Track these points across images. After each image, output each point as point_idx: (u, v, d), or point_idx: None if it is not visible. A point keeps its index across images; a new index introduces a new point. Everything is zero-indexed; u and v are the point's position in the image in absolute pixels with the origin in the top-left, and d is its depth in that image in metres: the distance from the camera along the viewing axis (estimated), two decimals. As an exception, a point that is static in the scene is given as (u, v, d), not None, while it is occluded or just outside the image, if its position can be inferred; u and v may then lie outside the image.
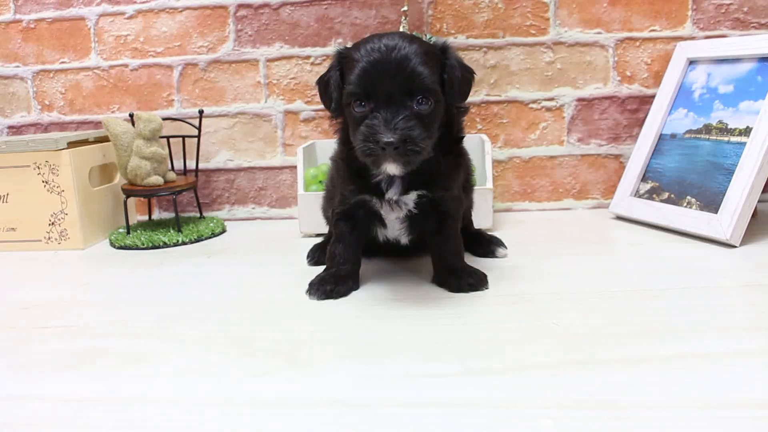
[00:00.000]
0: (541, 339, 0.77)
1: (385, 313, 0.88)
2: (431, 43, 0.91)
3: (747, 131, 1.19)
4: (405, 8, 1.35)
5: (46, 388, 0.70)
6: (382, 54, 0.85)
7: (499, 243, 1.15)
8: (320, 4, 1.47)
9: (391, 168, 0.86)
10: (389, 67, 0.84)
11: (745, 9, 1.42)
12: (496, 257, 1.13)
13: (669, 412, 0.58)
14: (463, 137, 0.99)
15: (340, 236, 1.00)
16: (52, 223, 1.34)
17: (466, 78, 0.92)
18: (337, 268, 0.98)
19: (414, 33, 1.29)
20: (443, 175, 0.95)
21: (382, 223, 1.00)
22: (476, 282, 0.96)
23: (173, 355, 0.77)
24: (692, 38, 1.44)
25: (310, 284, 0.97)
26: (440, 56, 0.90)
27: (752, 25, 1.43)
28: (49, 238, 1.35)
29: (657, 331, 0.77)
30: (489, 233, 1.20)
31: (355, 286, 0.99)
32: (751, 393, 0.61)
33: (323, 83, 0.94)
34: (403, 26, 1.34)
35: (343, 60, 0.91)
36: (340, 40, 1.48)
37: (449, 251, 0.99)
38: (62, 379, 0.72)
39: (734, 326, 0.79)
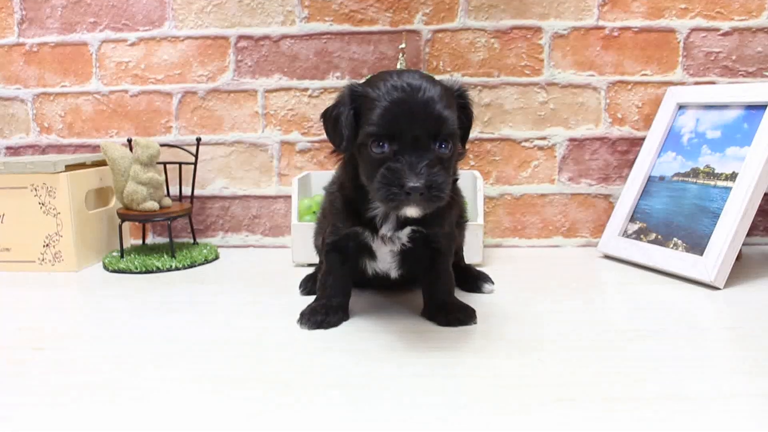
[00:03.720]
0: (526, 376, 0.78)
1: (374, 346, 0.89)
2: (449, 85, 0.90)
3: (733, 176, 1.22)
4: (403, 45, 1.38)
5: (36, 420, 0.70)
6: (406, 94, 0.83)
7: (486, 279, 1.17)
8: (320, 38, 1.50)
9: (411, 211, 0.84)
10: (416, 109, 0.82)
11: (734, 57, 1.46)
12: (483, 293, 1.15)
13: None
14: (458, 178, 1.00)
15: (330, 268, 1.01)
16: (47, 245, 1.35)
17: (472, 123, 0.94)
18: (328, 300, 1.00)
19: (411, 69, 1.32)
20: (438, 212, 0.95)
21: (372, 256, 1.01)
22: (465, 317, 0.97)
23: (164, 390, 0.77)
24: (682, 83, 1.47)
25: (302, 314, 0.98)
26: (458, 99, 0.90)
27: (740, 73, 1.46)
28: (43, 260, 1.36)
29: (639, 374, 0.79)
30: (477, 269, 1.22)
31: (345, 317, 1.00)
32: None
33: (332, 119, 0.90)
34: (401, 63, 1.37)
35: (357, 97, 0.88)
36: (338, 74, 1.51)
37: (440, 287, 1.00)
38: (52, 411, 0.72)
39: (715, 369, 0.80)
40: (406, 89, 0.83)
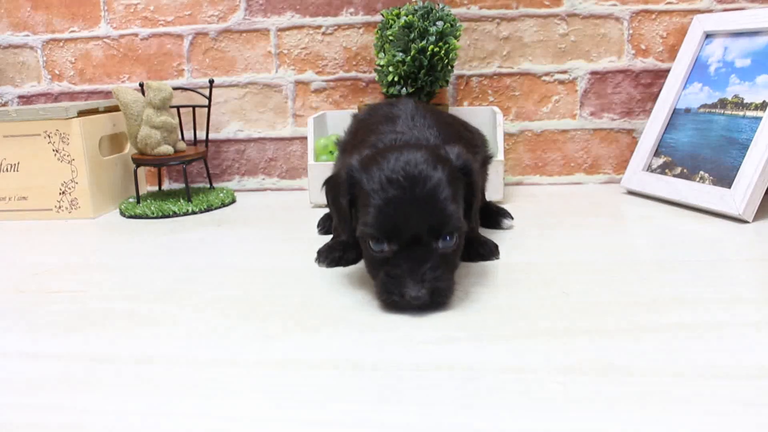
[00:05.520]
0: (550, 307, 0.76)
1: (393, 282, 0.88)
2: (452, 158, 0.82)
3: (763, 106, 1.18)
4: (418, -22, 1.33)
5: (58, 347, 0.71)
6: (403, 190, 0.75)
7: (505, 214, 1.15)
8: (332, -27, 1.46)
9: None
10: (414, 207, 0.75)
11: (765, -19, 1.40)
12: (502, 228, 1.13)
13: (675, 378, 0.58)
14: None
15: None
16: (63, 192, 1.35)
17: (477, 198, 0.86)
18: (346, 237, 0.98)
19: (427, 3, 1.28)
20: None
21: None
22: (487, 252, 0.96)
23: (182, 318, 0.78)
24: (709, 11, 1.41)
25: (319, 252, 0.97)
26: (463, 178, 0.81)
27: (771, -2, 1.40)
28: (59, 207, 1.36)
29: (664, 302, 0.77)
30: (497, 205, 1.20)
31: (364, 254, 0.99)
32: (757, 362, 0.61)
33: (331, 198, 0.86)
34: (416, -4, 1.32)
35: (353, 185, 0.80)
36: (351, 10, 1.46)
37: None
38: (73, 339, 0.73)
39: (742, 298, 0.78)
40: (403, 184, 0.75)
